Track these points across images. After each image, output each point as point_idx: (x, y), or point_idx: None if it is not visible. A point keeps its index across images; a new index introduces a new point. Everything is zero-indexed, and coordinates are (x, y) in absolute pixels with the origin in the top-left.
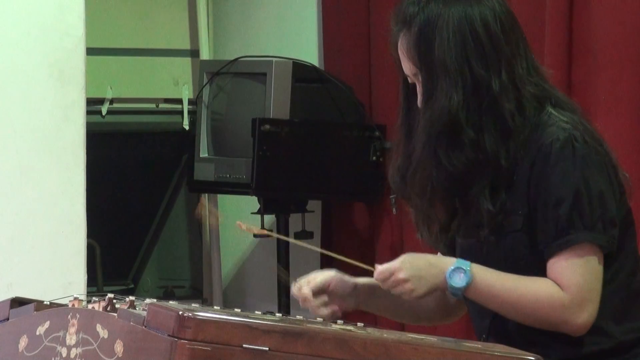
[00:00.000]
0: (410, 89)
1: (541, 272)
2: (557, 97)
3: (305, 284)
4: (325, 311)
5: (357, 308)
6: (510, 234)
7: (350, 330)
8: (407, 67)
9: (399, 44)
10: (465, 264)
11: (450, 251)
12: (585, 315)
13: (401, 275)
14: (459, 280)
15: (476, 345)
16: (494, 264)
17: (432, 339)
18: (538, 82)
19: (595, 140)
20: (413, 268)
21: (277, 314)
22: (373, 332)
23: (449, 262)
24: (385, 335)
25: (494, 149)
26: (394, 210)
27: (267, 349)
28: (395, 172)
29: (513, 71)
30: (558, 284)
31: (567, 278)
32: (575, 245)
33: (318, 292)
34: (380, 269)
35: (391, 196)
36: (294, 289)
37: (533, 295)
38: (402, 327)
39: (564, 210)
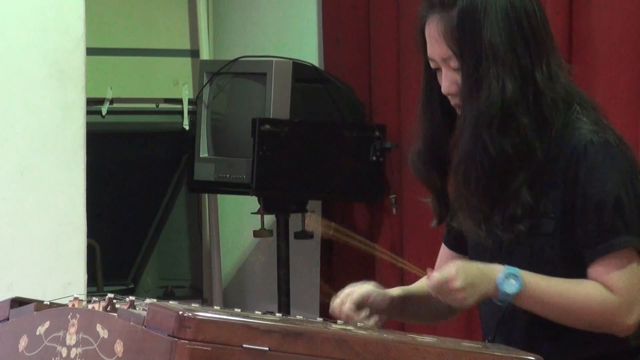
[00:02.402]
0: (432, 75)
1: (567, 276)
2: (581, 95)
3: (346, 300)
4: (371, 322)
5: (389, 319)
6: (540, 236)
7: (350, 330)
8: (438, 51)
9: (431, 26)
10: (515, 270)
11: (486, 241)
12: (634, 317)
13: (457, 284)
14: (510, 287)
15: (476, 345)
16: (515, 264)
17: (432, 339)
18: (566, 77)
19: (622, 140)
20: (467, 276)
21: (277, 314)
22: (373, 332)
23: (498, 270)
24: (385, 335)
25: (536, 141)
26: (394, 210)
27: (267, 349)
28: (416, 157)
29: (550, 65)
30: (608, 284)
31: (615, 281)
32: (619, 250)
33: (358, 306)
34: (435, 278)
35: (391, 196)
36: (335, 304)
37: (584, 299)
38: (402, 327)
39: (606, 214)
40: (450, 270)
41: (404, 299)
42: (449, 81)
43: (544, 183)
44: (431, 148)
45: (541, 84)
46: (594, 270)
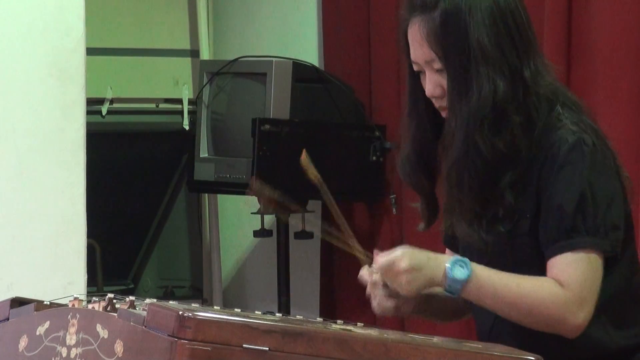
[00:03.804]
0: (417, 78)
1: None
2: (565, 95)
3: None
4: (389, 303)
5: (411, 313)
6: (519, 236)
7: (350, 330)
8: (421, 54)
9: (414, 29)
10: (464, 259)
11: (481, 242)
12: (583, 315)
13: (402, 265)
14: (460, 273)
15: (476, 345)
16: (500, 266)
17: (432, 339)
18: (551, 76)
19: (603, 142)
20: (413, 259)
21: (277, 314)
22: (373, 332)
23: (447, 258)
24: (385, 335)
25: (522, 140)
26: (394, 210)
27: (267, 349)
28: (405, 161)
29: (536, 63)
30: (559, 283)
31: (568, 276)
32: (577, 249)
33: (385, 284)
34: (382, 261)
35: (391, 196)
36: (364, 272)
37: (534, 291)
38: (402, 327)
39: (568, 213)
40: (397, 253)
41: (429, 296)
42: (433, 84)
43: (524, 183)
44: (419, 152)
45: (530, 81)
46: (550, 266)
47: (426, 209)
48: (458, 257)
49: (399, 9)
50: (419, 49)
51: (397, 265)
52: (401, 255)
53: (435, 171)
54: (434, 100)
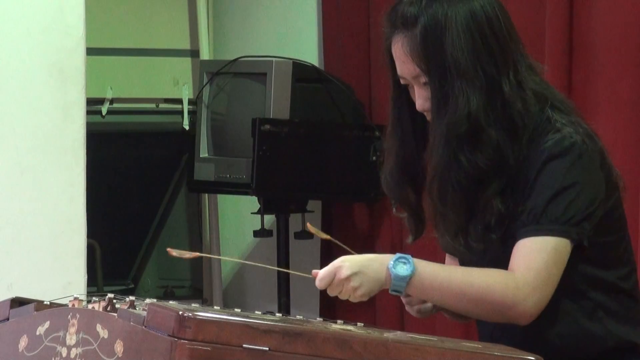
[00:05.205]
0: (402, 92)
1: None
2: (554, 96)
3: None
4: (427, 306)
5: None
6: (511, 239)
7: (350, 330)
8: (406, 69)
9: (397, 45)
10: (407, 255)
11: (468, 254)
12: (533, 300)
13: (343, 273)
14: (402, 270)
15: (476, 345)
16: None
17: (432, 339)
18: (537, 80)
19: (591, 139)
20: (353, 264)
21: (277, 314)
22: (373, 332)
23: (389, 256)
24: (385, 335)
25: (507, 149)
26: (394, 210)
27: (267, 349)
28: (389, 176)
29: (518, 70)
30: (516, 265)
31: (527, 261)
32: (542, 234)
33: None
34: (321, 274)
35: None
36: None
37: (481, 279)
38: (402, 327)
39: (543, 200)
40: (334, 264)
41: None
42: (422, 98)
43: (514, 188)
44: (404, 165)
45: (507, 93)
46: (514, 250)
47: (412, 222)
48: (400, 254)
49: (381, 26)
50: (404, 65)
51: (338, 275)
52: (339, 264)
53: (420, 183)
54: (426, 115)
